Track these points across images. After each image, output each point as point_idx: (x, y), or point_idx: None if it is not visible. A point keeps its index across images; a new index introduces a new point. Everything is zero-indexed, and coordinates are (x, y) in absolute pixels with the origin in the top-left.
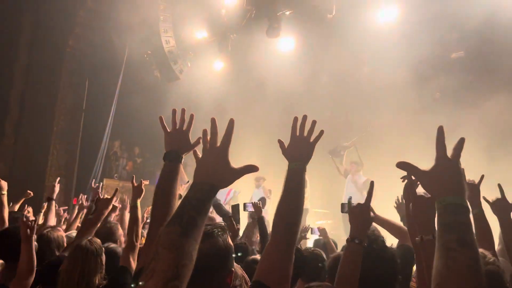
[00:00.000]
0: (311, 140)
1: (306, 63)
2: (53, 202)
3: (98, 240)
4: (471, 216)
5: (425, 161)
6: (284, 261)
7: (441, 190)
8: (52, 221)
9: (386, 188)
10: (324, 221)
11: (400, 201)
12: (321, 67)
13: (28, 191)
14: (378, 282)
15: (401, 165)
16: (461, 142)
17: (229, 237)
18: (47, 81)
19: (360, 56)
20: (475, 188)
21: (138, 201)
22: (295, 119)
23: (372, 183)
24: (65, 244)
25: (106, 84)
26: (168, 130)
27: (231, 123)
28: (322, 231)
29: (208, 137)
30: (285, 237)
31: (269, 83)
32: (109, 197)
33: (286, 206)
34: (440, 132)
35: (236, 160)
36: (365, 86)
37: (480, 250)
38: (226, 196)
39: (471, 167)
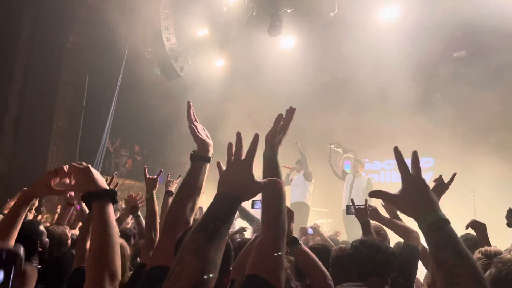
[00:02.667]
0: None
1: (307, 61)
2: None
3: (124, 242)
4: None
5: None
6: (275, 251)
7: (417, 211)
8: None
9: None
10: (324, 220)
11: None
12: (322, 65)
13: (25, 188)
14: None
15: (373, 194)
16: (414, 155)
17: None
18: (47, 77)
19: (362, 54)
20: (482, 227)
21: (154, 192)
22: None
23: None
24: (69, 243)
25: (106, 81)
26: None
27: (256, 138)
28: (315, 229)
29: (233, 150)
30: (275, 228)
31: (270, 81)
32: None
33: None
34: (397, 152)
35: None
36: (367, 85)
37: (495, 249)
38: None
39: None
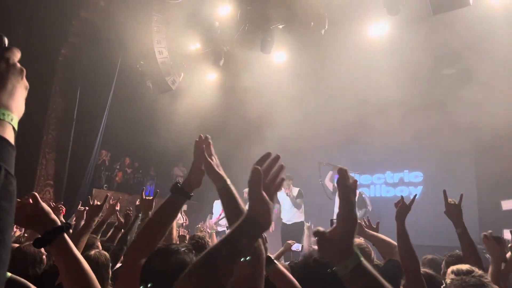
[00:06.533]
0: None
1: (299, 75)
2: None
3: (105, 253)
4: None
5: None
6: (254, 274)
7: (337, 256)
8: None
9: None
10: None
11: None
12: (313, 80)
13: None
14: None
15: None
16: (341, 173)
17: (195, 257)
18: (38, 89)
19: (352, 69)
20: (457, 208)
21: (150, 213)
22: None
23: None
24: (44, 261)
25: (98, 94)
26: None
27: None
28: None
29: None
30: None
31: (262, 96)
32: (99, 203)
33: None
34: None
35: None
36: (357, 100)
37: (466, 266)
38: (221, 211)
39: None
